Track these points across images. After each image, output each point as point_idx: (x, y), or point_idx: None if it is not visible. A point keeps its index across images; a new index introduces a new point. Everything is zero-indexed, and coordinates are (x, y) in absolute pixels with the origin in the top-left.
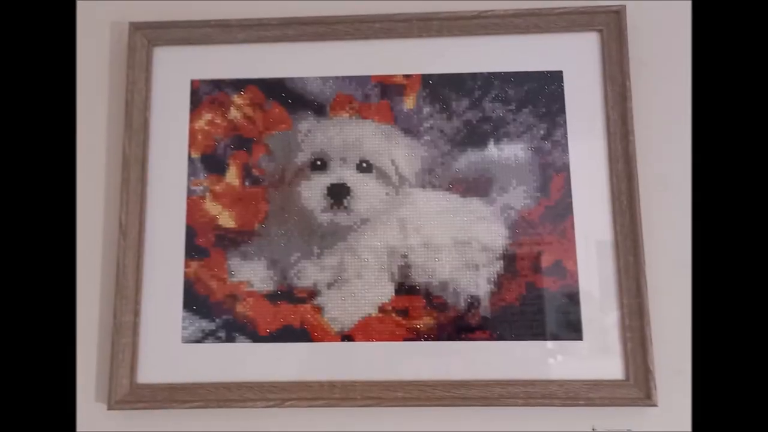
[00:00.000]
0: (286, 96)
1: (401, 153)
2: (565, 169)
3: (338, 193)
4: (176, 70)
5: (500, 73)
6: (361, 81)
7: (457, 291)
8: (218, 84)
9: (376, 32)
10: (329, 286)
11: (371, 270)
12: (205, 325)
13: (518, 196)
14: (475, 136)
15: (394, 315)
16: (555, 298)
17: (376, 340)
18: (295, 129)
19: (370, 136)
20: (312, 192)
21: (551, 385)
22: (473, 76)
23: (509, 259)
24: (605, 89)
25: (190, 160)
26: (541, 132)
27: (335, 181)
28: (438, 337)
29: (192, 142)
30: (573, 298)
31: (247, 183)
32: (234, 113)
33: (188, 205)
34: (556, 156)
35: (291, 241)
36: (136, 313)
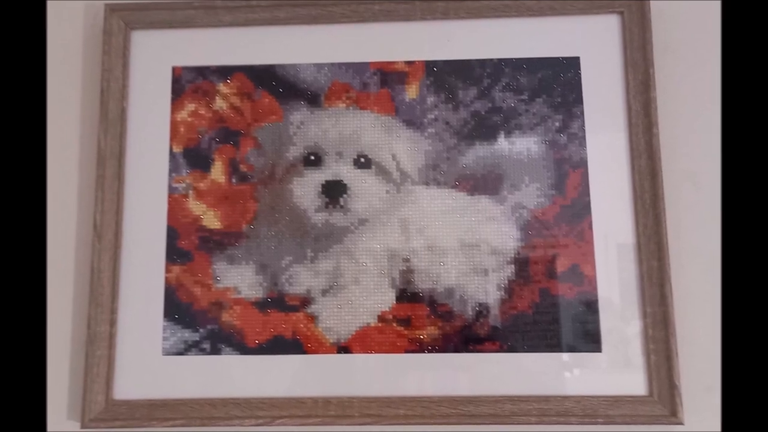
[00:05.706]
0: (276, 84)
1: (403, 147)
2: (583, 164)
3: (334, 191)
4: (156, 56)
5: (511, 59)
6: (358, 68)
7: (464, 298)
8: (202, 71)
9: (376, 15)
10: (324, 292)
11: (370, 275)
12: (188, 335)
13: (531, 195)
14: (483, 129)
15: (395, 325)
16: (571, 306)
17: (376, 352)
18: (286, 121)
19: (369, 129)
20: (305, 190)
21: (567, 402)
22: (482, 62)
23: (521, 263)
24: (626, 77)
25: (172, 154)
26: (557, 124)
27: (330, 178)
28: (443, 349)
29: (173, 135)
30: (591, 307)
31: (233, 180)
32: (220, 103)
33: (169, 204)
34: (572, 150)
35: (282, 243)
36: (112, 323)
